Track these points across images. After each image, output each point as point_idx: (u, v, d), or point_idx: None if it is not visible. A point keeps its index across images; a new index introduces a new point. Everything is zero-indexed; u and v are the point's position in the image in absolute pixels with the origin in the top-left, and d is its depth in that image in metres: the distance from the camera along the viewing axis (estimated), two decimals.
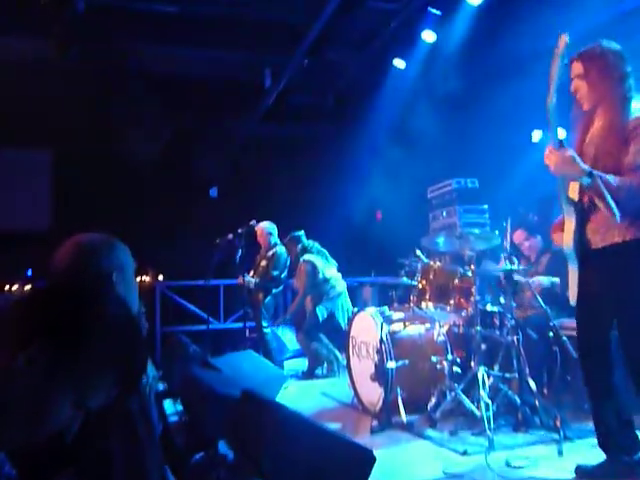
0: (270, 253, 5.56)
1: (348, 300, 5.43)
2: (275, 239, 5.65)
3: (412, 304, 3.91)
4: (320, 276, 5.28)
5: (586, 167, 2.20)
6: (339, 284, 5.41)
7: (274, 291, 5.56)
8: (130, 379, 0.99)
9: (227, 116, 7.39)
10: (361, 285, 6.75)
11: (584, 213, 2.37)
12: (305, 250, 5.34)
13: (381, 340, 3.79)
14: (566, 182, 2.34)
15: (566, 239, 2.37)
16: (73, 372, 0.92)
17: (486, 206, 5.84)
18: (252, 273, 5.61)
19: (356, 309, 4.46)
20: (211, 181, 8.38)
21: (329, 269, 5.40)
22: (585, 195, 2.37)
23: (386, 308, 4.29)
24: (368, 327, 4.09)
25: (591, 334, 2.38)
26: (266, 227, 5.63)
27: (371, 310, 4.17)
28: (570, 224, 2.36)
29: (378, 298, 6.36)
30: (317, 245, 5.44)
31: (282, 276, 5.55)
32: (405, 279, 4.50)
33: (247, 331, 6.06)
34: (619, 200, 2.16)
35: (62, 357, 0.91)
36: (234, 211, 7.10)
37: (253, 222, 5.39)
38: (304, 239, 5.46)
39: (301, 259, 5.30)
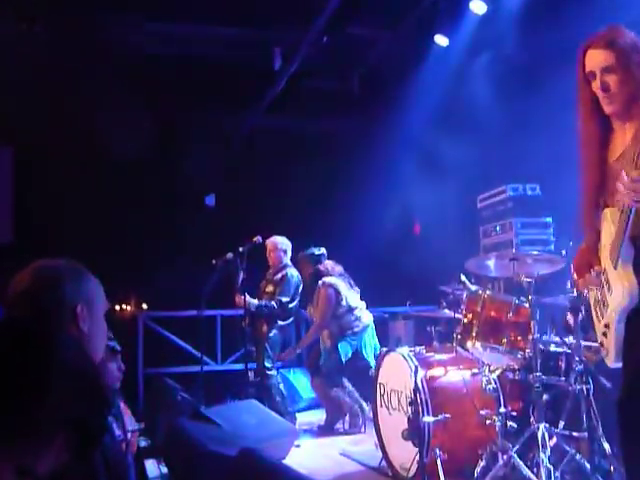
0: (279, 276, 5.65)
1: (375, 336, 5.51)
2: (287, 259, 5.74)
3: (455, 343, 3.96)
4: (344, 304, 5.36)
5: None
6: (365, 315, 5.49)
7: (281, 323, 5.62)
8: (85, 442, 0.97)
9: (227, 106, 7.47)
10: (392, 318, 6.81)
11: None
12: (325, 272, 5.44)
13: (416, 388, 3.83)
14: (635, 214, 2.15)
15: (621, 289, 2.23)
16: (13, 432, 0.91)
17: (550, 219, 5.91)
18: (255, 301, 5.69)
19: (385, 349, 4.53)
20: (207, 186, 8.50)
21: (353, 297, 5.49)
22: None
23: (423, 348, 4.35)
24: (400, 371, 4.14)
25: None
26: (279, 242, 5.71)
27: (404, 350, 4.22)
28: (628, 269, 2.23)
29: (414, 335, 6.42)
30: (340, 268, 5.53)
31: (292, 305, 5.61)
32: (447, 311, 4.57)
33: (250, 374, 6.14)
34: None
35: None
36: (235, 224, 7.21)
37: (258, 238, 5.50)
38: (324, 259, 5.55)
39: (320, 282, 5.39)
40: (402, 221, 8.00)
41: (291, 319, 5.71)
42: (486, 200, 6.33)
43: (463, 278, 4.15)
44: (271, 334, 5.61)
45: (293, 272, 5.63)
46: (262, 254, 5.80)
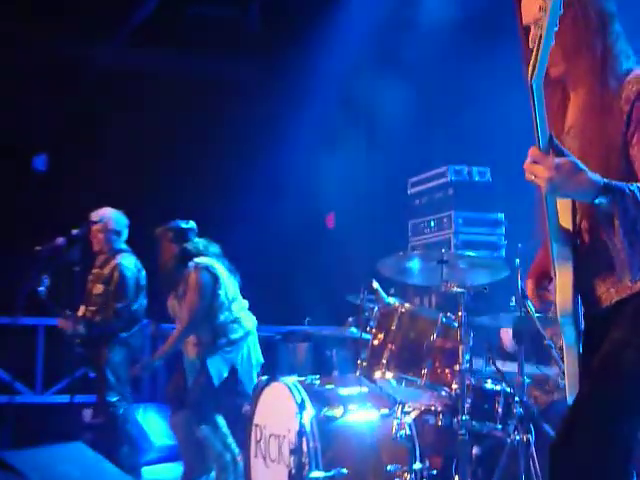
0: (108, 270, 5.53)
1: (258, 349, 5.41)
2: (121, 243, 5.63)
3: (360, 372, 3.93)
4: (222, 297, 5.23)
5: (598, 178, 2.22)
6: (246, 317, 5.39)
7: (124, 335, 5.49)
8: None
9: (70, 32, 7.43)
10: (285, 339, 6.82)
11: (585, 254, 2.36)
12: (195, 252, 5.30)
13: (302, 431, 3.83)
14: (555, 205, 2.28)
15: (561, 299, 2.36)
16: None
17: (502, 215, 6.00)
18: (82, 309, 5.55)
19: (264, 378, 4.51)
20: (36, 144, 8.26)
21: (234, 288, 5.37)
22: (587, 223, 2.38)
23: (317, 378, 4.35)
24: (283, 409, 4.12)
25: None
26: (110, 219, 5.59)
27: (290, 380, 4.21)
28: (566, 275, 2.34)
29: (311, 361, 6.43)
30: (216, 248, 5.42)
31: (135, 307, 5.53)
32: (354, 330, 4.54)
33: (85, 412, 5.98)
34: None
35: None
36: (74, 198, 7.04)
37: (100, 217, 5.34)
38: (193, 236, 5.43)
39: (191, 265, 5.24)
40: (310, 209, 8.09)
41: (138, 325, 5.60)
42: (419, 185, 6.39)
43: (375, 285, 4.15)
44: (112, 354, 5.43)
45: (127, 261, 5.53)
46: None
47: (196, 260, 5.26)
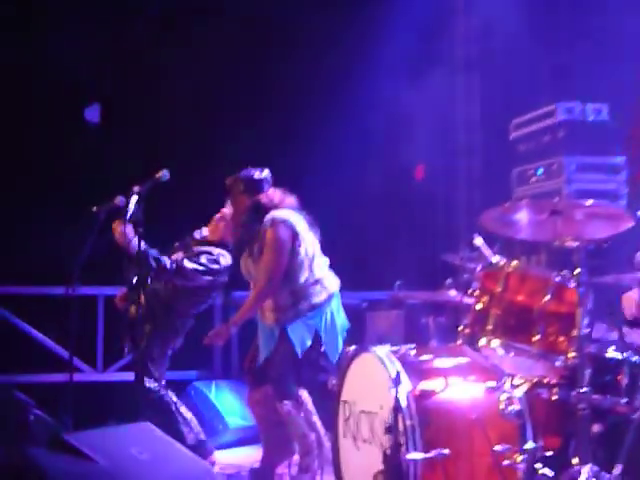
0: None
1: (342, 313, 5.46)
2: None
3: (462, 341, 3.97)
4: (302, 254, 5.25)
5: None
6: (330, 279, 5.44)
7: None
8: None
9: None
10: (372, 307, 6.91)
11: None
12: (270, 205, 5.34)
13: (397, 408, 3.85)
14: None
15: None
16: None
17: (622, 159, 5.92)
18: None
19: (353, 348, 4.54)
20: (88, 93, 8.41)
21: (315, 245, 5.40)
22: None
23: (413, 347, 4.37)
24: (375, 383, 4.16)
25: None
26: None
27: (383, 350, 4.24)
28: None
29: (404, 330, 6.48)
30: (293, 200, 5.42)
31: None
32: (453, 294, 4.60)
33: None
34: None
35: None
36: (132, 152, 7.19)
37: (164, 173, 5.40)
38: (268, 187, 5.46)
39: (267, 219, 5.28)
40: (397, 159, 8.06)
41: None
42: (524, 127, 6.33)
43: (478, 241, 4.15)
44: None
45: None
46: (171, 197, 5.85)
47: (272, 213, 5.32)
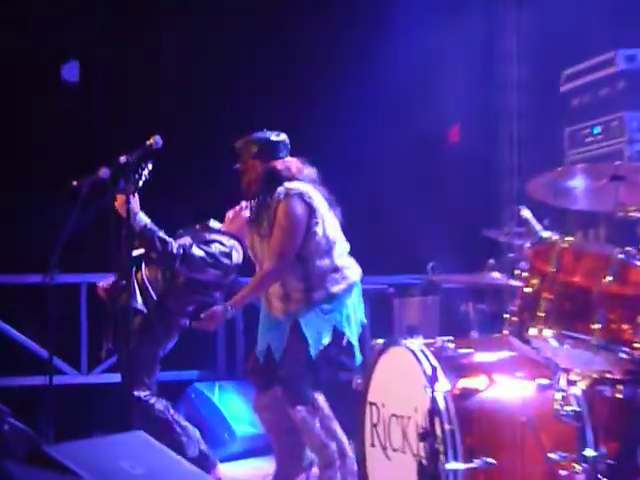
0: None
1: (362, 306, 5.45)
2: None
3: (508, 331, 3.98)
4: (319, 233, 5.23)
5: None
6: (351, 267, 5.41)
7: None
8: None
9: None
10: (401, 292, 6.93)
11: None
12: (286, 174, 5.30)
13: (434, 410, 3.87)
14: None
15: None
16: None
17: None
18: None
19: (380, 341, 4.54)
20: (64, 48, 8.35)
21: (335, 225, 5.37)
22: None
23: (451, 340, 4.37)
24: (407, 382, 4.19)
25: None
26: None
27: (416, 343, 4.25)
28: None
29: (438, 319, 6.50)
30: (311, 170, 5.40)
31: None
32: (497, 276, 4.58)
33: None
34: None
35: None
36: (118, 117, 7.28)
37: (156, 140, 5.37)
38: (285, 152, 5.43)
39: (280, 190, 5.25)
40: (427, 120, 8.00)
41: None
42: (578, 78, 6.29)
43: (525, 214, 4.13)
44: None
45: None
46: (169, 173, 5.92)
47: (287, 185, 5.28)
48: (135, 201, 5.39)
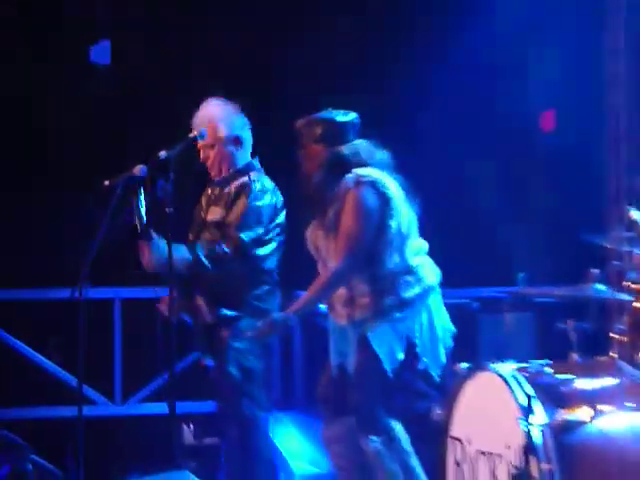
0: (233, 188, 5.75)
1: (444, 312, 5.41)
2: (246, 156, 5.82)
3: (616, 353, 4.04)
4: (393, 231, 5.21)
5: None
6: (428, 269, 5.36)
7: (256, 292, 5.70)
8: None
9: None
10: (487, 307, 6.93)
11: None
12: (356, 160, 5.30)
13: (529, 448, 3.88)
14: None
15: None
16: None
17: None
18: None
19: (465, 366, 4.60)
20: (95, 28, 8.49)
21: (411, 220, 5.34)
22: None
23: (548, 364, 4.40)
24: (497, 413, 4.21)
25: None
26: (221, 118, 5.77)
27: (507, 369, 4.28)
28: None
29: (532, 339, 6.52)
30: (385, 155, 5.40)
31: (269, 247, 5.73)
32: (600, 288, 4.53)
33: (187, 429, 6.21)
34: None
35: None
36: (154, 103, 7.35)
37: (201, 131, 5.47)
38: (354, 135, 5.44)
39: (349, 178, 5.26)
40: (517, 106, 8.10)
41: (272, 278, 5.77)
42: None
43: (636, 216, 4.11)
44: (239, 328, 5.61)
45: (263, 182, 5.72)
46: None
47: (358, 171, 5.28)
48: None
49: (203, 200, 5.91)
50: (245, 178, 5.68)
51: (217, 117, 5.75)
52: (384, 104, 7.54)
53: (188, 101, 5.95)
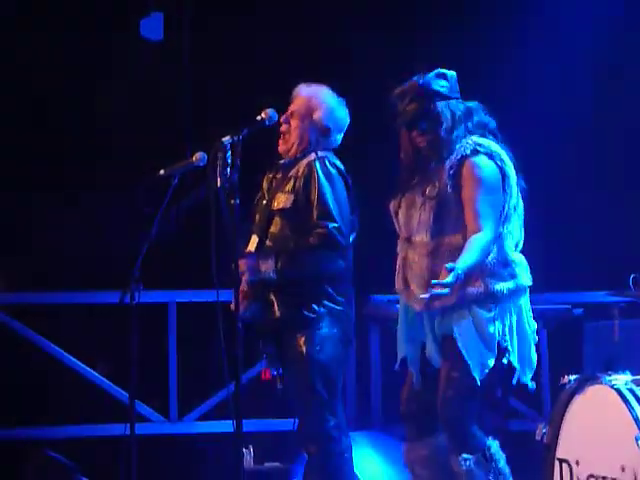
0: (300, 172, 5.72)
1: (530, 315, 5.36)
2: (335, 138, 5.80)
3: None
4: (504, 210, 5.11)
5: None
6: (522, 266, 5.27)
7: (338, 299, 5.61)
8: None
9: None
10: (591, 314, 6.83)
11: None
12: (480, 127, 5.26)
13: None
14: None
15: None
16: None
17: None
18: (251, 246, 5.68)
19: (572, 378, 4.57)
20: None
21: (517, 207, 5.27)
22: None
23: None
24: (610, 431, 4.21)
25: None
26: (327, 102, 5.78)
27: (622, 381, 4.27)
28: None
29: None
30: (494, 124, 5.37)
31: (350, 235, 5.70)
32: None
33: (246, 452, 6.23)
34: None
35: None
36: (215, 83, 7.41)
37: (269, 113, 5.44)
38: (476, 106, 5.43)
39: (467, 145, 5.19)
40: (623, 93, 8.05)
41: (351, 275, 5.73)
42: None
43: None
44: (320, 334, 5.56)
45: (337, 163, 5.70)
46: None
47: (474, 138, 5.25)
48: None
49: (264, 185, 5.90)
50: (316, 162, 5.67)
51: (324, 99, 5.77)
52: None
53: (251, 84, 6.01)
